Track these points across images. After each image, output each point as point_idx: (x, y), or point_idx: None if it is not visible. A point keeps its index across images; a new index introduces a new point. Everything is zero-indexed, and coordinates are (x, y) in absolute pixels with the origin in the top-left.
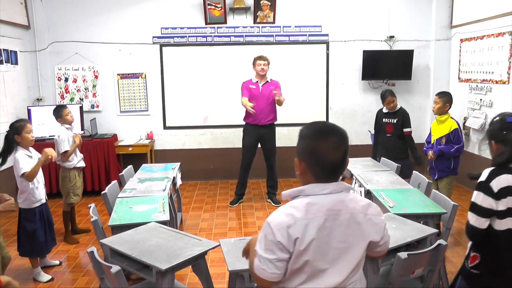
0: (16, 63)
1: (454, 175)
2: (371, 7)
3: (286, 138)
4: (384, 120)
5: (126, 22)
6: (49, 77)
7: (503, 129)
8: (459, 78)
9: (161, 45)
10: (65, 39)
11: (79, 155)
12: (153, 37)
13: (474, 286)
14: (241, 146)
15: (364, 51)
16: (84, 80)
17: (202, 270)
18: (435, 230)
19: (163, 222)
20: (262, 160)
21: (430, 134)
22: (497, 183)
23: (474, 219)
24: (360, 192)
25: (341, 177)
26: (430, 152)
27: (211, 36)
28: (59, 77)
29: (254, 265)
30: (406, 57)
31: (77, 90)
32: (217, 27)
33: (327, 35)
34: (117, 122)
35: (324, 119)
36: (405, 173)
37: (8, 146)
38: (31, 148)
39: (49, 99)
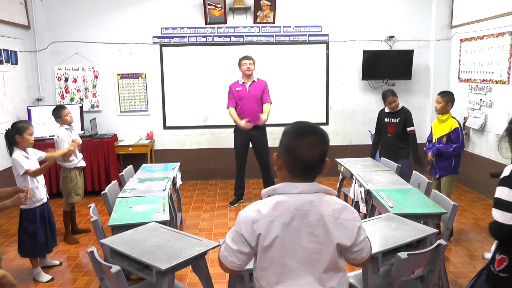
0: (16, 63)
1: (455, 174)
2: (371, 7)
3: None
4: (386, 120)
5: (126, 22)
6: (49, 77)
7: None
8: (459, 78)
9: (161, 45)
10: (65, 39)
11: (79, 155)
12: (153, 37)
13: None
14: None
15: (364, 51)
16: (84, 80)
17: (202, 270)
18: (435, 230)
19: (163, 222)
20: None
21: (431, 133)
22: None
23: (499, 215)
24: (360, 192)
25: (340, 177)
26: (430, 153)
27: (211, 36)
28: (59, 77)
29: (220, 252)
30: (406, 57)
31: (77, 90)
32: (217, 27)
33: (327, 35)
34: (117, 122)
35: (324, 119)
36: (404, 174)
37: (9, 143)
38: (28, 149)
39: (49, 99)
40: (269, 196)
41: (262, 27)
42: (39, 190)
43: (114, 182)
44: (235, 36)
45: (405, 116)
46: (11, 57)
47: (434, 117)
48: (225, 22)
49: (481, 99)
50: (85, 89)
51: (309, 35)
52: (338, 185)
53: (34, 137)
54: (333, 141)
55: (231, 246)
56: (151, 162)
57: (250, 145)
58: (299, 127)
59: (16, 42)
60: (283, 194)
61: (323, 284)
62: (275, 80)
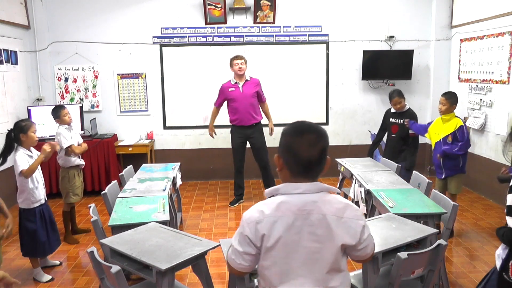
0: (16, 63)
1: (463, 174)
2: (371, 7)
3: None
4: (391, 120)
5: (126, 22)
6: (49, 77)
7: None
8: (459, 78)
9: (161, 45)
10: (65, 39)
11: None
12: (153, 37)
13: None
14: None
15: (364, 51)
16: (84, 80)
17: (202, 270)
18: (435, 230)
19: (163, 222)
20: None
21: (428, 124)
22: None
23: None
24: (360, 192)
25: (340, 177)
26: (438, 155)
27: (211, 36)
28: (59, 77)
29: (228, 255)
30: (406, 57)
31: (77, 90)
32: (217, 27)
33: (327, 35)
34: (117, 122)
35: (324, 119)
36: (403, 175)
37: (10, 145)
38: (32, 148)
39: (49, 99)
40: (272, 196)
41: (262, 27)
42: (39, 190)
43: (114, 182)
44: (235, 36)
45: (410, 118)
46: (11, 57)
47: (434, 117)
48: (225, 22)
49: (481, 99)
50: (85, 89)
51: (309, 35)
52: (338, 185)
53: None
54: (333, 141)
55: (238, 248)
56: (151, 162)
57: (248, 145)
58: (296, 126)
59: (16, 42)
60: (285, 194)
61: (326, 284)
62: (275, 80)
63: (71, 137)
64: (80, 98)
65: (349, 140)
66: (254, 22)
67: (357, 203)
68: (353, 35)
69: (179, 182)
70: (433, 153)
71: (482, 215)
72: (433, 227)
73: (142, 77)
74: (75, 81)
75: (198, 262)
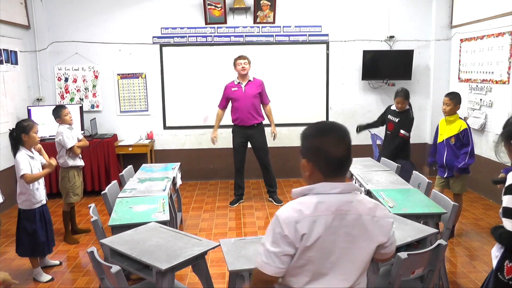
0: (16, 63)
1: (467, 174)
2: (371, 7)
3: (286, 138)
4: (389, 116)
5: (126, 22)
6: (49, 77)
7: None
8: (459, 78)
9: (161, 45)
10: (65, 39)
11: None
12: (153, 37)
13: None
14: None
15: (364, 51)
16: (84, 80)
17: (202, 270)
18: (435, 230)
19: (163, 222)
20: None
21: (436, 134)
22: None
23: (511, 225)
24: (360, 192)
25: None
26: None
27: (211, 36)
28: (59, 77)
29: (258, 261)
30: (406, 57)
31: (77, 90)
32: (217, 27)
33: (327, 35)
34: (117, 122)
35: (324, 119)
36: (402, 175)
37: (14, 144)
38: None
39: (49, 99)
40: (304, 195)
41: (262, 27)
42: (39, 191)
43: (114, 182)
44: (235, 36)
45: (405, 119)
46: (11, 57)
47: (434, 117)
48: (225, 22)
49: (481, 99)
50: (85, 89)
51: (309, 35)
52: None
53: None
54: None
55: (274, 250)
56: (151, 162)
57: (249, 145)
58: (320, 127)
59: (16, 42)
60: (321, 194)
61: (355, 284)
62: (275, 80)
63: (72, 136)
64: (80, 98)
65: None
66: (254, 22)
67: None
68: (353, 35)
69: (179, 182)
70: (437, 153)
71: (482, 215)
72: (433, 227)
73: (142, 77)
74: (75, 81)
75: (198, 262)
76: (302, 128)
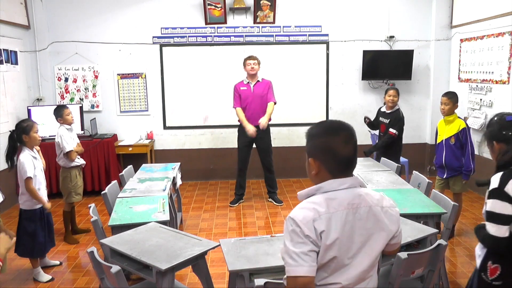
0: (16, 63)
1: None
2: (371, 7)
3: (286, 138)
4: (380, 119)
5: (126, 22)
6: (49, 77)
7: (503, 129)
8: (459, 78)
9: (161, 45)
10: (65, 39)
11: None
12: (153, 37)
13: None
14: None
15: (364, 51)
16: (84, 80)
17: (202, 270)
18: (435, 230)
19: (163, 222)
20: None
21: (436, 135)
22: None
23: (495, 229)
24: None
25: None
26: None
27: (211, 36)
28: (59, 77)
29: (288, 269)
30: (406, 57)
31: (77, 90)
32: (217, 27)
33: (327, 35)
34: (117, 122)
35: (324, 119)
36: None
37: (13, 146)
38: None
39: (49, 99)
40: (312, 196)
41: (262, 27)
42: (41, 192)
43: (114, 182)
44: (235, 36)
45: (393, 118)
46: (11, 57)
47: (434, 117)
48: (225, 22)
49: (481, 99)
50: (85, 89)
51: (309, 35)
52: None
53: (40, 138)
54: None
55: (302, 250)
56: (151, 162)
57: (253, 145)
58: (328, 126)
59: (16, 42)
60: (331, 191)
61: (367, 276)
62: (275, 80)
63: (71, 138)
64: (80, 98)
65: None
66: (254, 22)
67: None
68: (353, 35)
69: (179, 182)
70: (437, 153)
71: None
72: (433, 227)
73: (142, 77)
74: (75, 81)
75: (198, 262)
76: (302, 128)
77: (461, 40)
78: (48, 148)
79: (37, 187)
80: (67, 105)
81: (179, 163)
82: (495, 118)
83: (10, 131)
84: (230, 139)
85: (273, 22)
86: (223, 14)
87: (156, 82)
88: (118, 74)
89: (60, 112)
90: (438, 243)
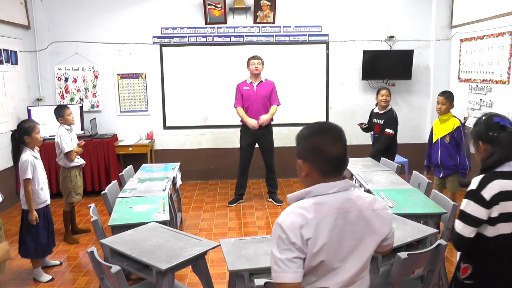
0: (16, 63)
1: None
2: (371, 7)
3: (286, 138)
4: (374, 120)
5: (126, 22)
6: (49, 77)
7: (490, 130)
8: (459, 78)
9: (161, 45)
10: (65, 39)
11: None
12: (153, 37)
13: None
14: None
15: (364, 51)
16: (84, 80)
17: (202, 270)
18: (435, 230)
19: (163, 222)
20: (261, 160)
21: (431, 134)
22: (490, 191)
23: (461, 227)
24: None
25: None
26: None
27: (211, 36)
28: (59, 77)
29: (274, 275)
30: (406, 57)
31: (77, 90)
32: (217, 27)
33: (327, 35)
34: (117, 122)
35: (324, 119)
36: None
37: (17, 146)
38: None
39: (49, 99)
40: (301, 199)
41: (262, 27)
42: (44, 191)
43: (114, 182)
44: (235, 36)
45: (387, 119)
46: (11, 57)
47: (434, 117)
48: (225, 22)
49: (481, 99)
50: (85, 89)
51: (309, 35)
52: None
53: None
54: None
55: (287, 256)
56: (151, 162)
57: (256, 145)
58: (317, 127)
59: (16, 42)
60: (320, 195)
61: (358, 278)
62: (275, 80)
63: (71, 138)
64: (80, 98)
65: (349, 140)
66: (254, 22)
67: None
68: (353, 35)
69: (179, 182)
70: (432, 153)
71: None
72: (433, 227)
73: (142, 77)
74: (75, 81)
75: (198, 262)
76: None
77: (461, 40)
78: (48, 148)
79: (40, 187)
80: (68, 106)
81: (179, 163)
82: (483, 118)
83: (11, 131)
84: (230, 139)
85: (273, 22)
86: (223, 14)
87: (156, 82)
88: (118, 74)
89: (61, 112)
90: (438, 243)
